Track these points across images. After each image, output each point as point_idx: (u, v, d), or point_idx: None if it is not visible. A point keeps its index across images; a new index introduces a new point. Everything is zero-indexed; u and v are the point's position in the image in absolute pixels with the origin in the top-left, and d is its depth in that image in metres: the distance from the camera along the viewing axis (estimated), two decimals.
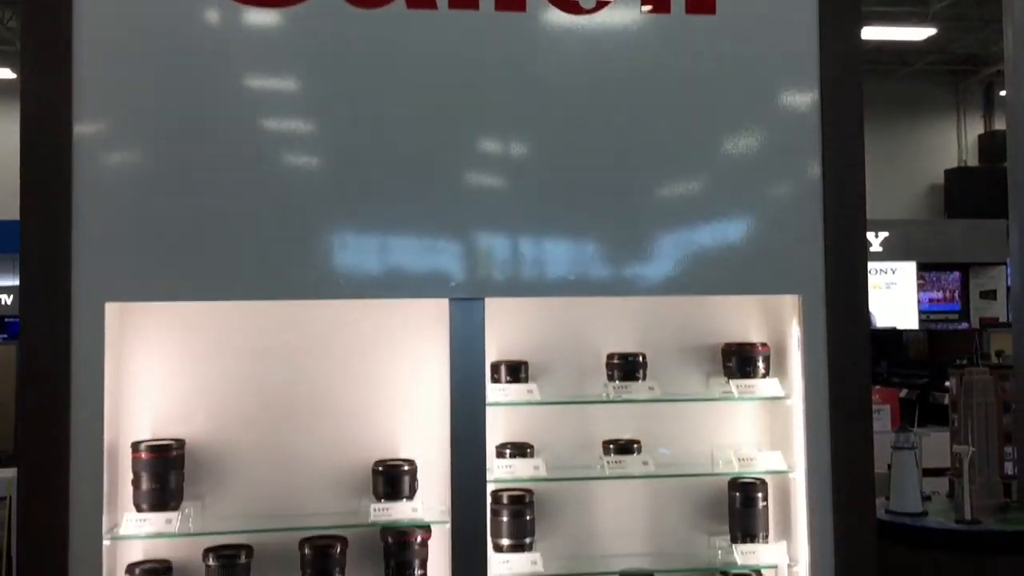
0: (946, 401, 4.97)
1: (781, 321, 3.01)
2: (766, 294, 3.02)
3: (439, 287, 2.73)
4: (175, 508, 2.71)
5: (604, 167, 2.82)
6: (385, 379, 2.92)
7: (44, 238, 2.58)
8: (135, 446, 2.72)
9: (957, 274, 15.10)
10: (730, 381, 2.98)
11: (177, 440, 2.78)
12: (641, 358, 2.97)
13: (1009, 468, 4.27)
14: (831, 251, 2.85)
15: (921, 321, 14.03)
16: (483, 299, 2.73)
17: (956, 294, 15.12)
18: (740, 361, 3.00)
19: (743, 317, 3.10)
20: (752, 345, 3.02)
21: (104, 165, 2.63)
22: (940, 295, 15.09)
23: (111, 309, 2.62)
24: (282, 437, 2.87)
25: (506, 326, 2.95)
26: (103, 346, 2.59)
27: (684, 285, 2.84)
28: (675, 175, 2.88)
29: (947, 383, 4.73)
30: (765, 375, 2.99)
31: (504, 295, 2.76)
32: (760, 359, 3.00)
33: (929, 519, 3.94)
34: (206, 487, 2.83)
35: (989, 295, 14.72)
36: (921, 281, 14.73)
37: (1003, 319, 12.53)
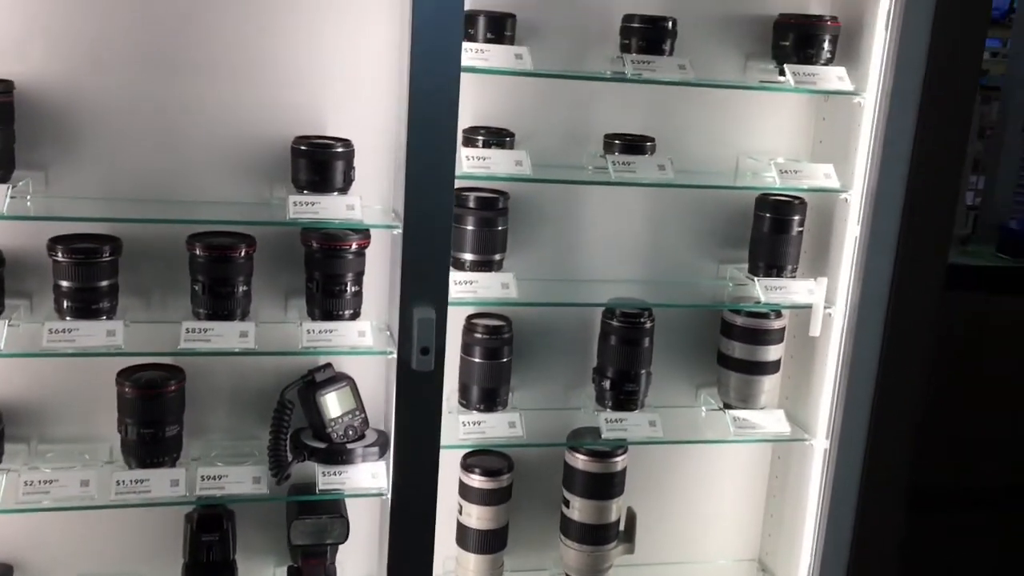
0: None
1: None
2: None
3: None
4: (3, 180, 1.89)
5: None
6: (316, 30, 2.06)
7: None
8: None
9: None
10: (783, 66, 2.21)
11: (3, 82, 1.91)
12: (670, 24, 2.16)
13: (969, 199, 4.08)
14: None
15: None
16: None
17: None
18: (799, 40, 2.21)
19: None
20: (818, 19, 2.22)
21: None
22: None
23: None
24: (167, 94, 2.02)
25: None
26: None
27: None
28: None
29: None
30: (829, 61, 2.23)
31: None
32: (826, 39, 2.21)
33: None
34: (50, 154, 2.00)
35: None
36: None
37: None
